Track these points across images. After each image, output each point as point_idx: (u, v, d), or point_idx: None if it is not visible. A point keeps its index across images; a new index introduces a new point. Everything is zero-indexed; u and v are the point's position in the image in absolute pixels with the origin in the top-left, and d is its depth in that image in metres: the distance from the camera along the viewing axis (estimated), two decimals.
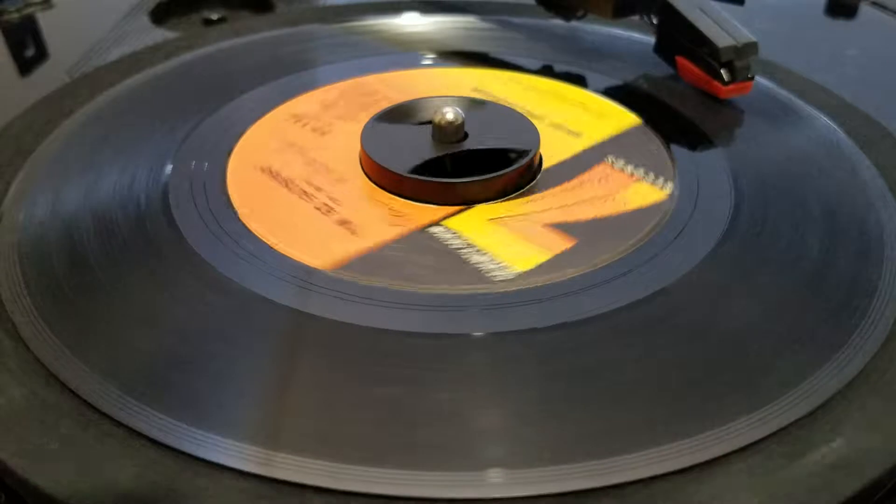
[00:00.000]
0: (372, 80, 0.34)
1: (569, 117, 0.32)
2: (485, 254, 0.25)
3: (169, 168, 0.28)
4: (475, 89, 0.33)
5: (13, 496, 0.20)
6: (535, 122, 0.29)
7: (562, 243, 0.25)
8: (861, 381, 0.21)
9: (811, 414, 0.20)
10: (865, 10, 0.44)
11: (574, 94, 0.33)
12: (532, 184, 0.28)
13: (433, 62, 0.36)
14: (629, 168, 0.29)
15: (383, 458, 0.19)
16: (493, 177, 0.27)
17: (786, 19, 0.43)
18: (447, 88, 0.33)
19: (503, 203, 0.27)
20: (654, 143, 0.30)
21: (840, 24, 0.44)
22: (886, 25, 0.43)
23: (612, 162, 0.29)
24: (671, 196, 0.27)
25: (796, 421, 0.20)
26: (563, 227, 0.26)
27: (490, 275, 0.24)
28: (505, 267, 0.24)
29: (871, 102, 0.33)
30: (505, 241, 0.25)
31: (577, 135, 0.30)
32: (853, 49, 0.41)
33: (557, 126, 0.31)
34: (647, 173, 0.28)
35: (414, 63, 0.36)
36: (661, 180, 0.28)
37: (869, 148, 0.30)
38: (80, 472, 0.19)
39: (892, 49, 0.41)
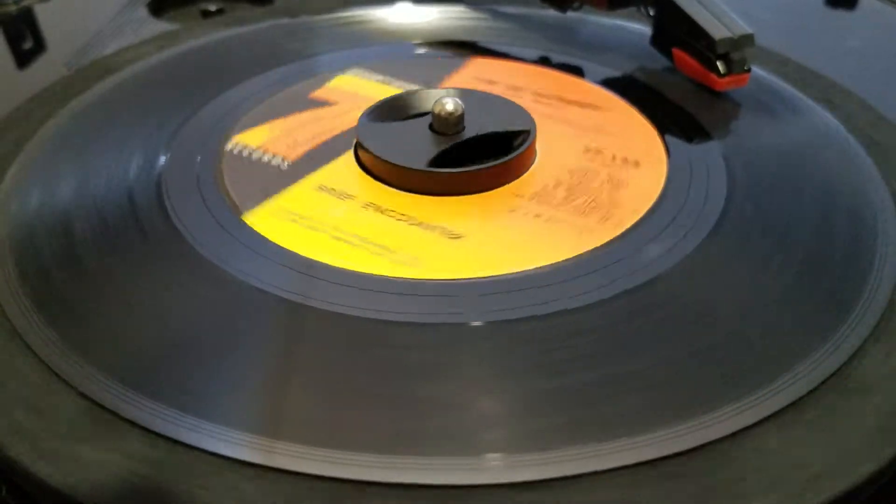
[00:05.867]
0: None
1: None
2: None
3: (163, 159, 0.28)
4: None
5: (14, 488, 0.20)
6: None
7: None
8: (853, 366, 0.21)
9: (805, 397, 0.20)
10: (866, 0, 0.44)
11: None
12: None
13: (426, 52, 0.36)
14: None
15: (384, 446, 0.19)
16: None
17: (785, 10, 0.43)
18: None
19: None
20: None
21: (840, 15, 0.44)
22: (887, 16, 0.43)
23: None
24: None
25: (792, 404, 0.20)
26: None
27: None
28: None
29: (870, 93, 0.33)
30: None
31: None
32: (853, 40, 0.40)
33: None
34: None
35: (408, 54, 0.36)
36: None
37: (867, 139, 0.30)
38: (80, 463, 0.19)
39: (892, 40, 0.41)
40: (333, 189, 0.27)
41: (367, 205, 0.26)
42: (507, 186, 0.27)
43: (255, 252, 0.24)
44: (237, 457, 0.19)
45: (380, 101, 0.30)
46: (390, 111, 0.30)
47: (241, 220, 0.26)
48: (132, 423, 0.19)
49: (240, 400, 0.20)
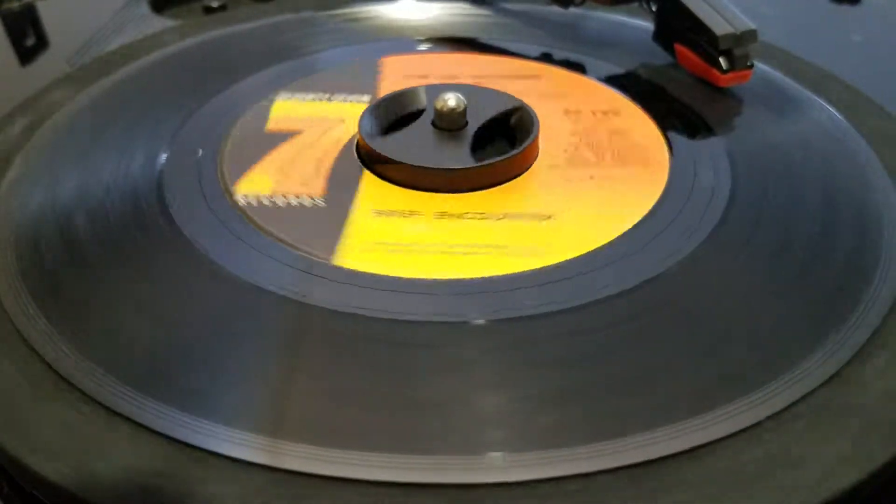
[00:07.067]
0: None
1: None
2: None
3: (164, 156, 0.28)
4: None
5: (15, 486, 0.20)
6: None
7: None
8: (856, 364, 0.21)
9: (807, 397, 0.20)
10: None
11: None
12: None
13: (432, 48, 0.36)
14: None
15: (386, 445, 0.19)
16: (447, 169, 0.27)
17: (789, 5, 0.43)
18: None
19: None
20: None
21: (844, 10, 0.43)
22: (891, 11, 0.43)
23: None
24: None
25: (792, 404, 0.20)
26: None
27: None
28: None
29: (874, 89, 0.33)
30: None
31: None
32: (857, 35, 0.40)
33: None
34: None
35: (412, 49, 0.36)
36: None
37: (871, 134, 0.30)
38: (81, 463, 0.19)
39: None
40: (393, 210, 0.26)
41: (440, 214, 0.26)
42: (537, 162, 0.28)
43: (257, 250, 0.24)
44: (241, 457, 0.19)
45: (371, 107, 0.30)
46: (387, 113, 0.30)
47: (242, 217, 0.26)
48: (133, 422, 0.19)
49: (244, 400, 0.20)
